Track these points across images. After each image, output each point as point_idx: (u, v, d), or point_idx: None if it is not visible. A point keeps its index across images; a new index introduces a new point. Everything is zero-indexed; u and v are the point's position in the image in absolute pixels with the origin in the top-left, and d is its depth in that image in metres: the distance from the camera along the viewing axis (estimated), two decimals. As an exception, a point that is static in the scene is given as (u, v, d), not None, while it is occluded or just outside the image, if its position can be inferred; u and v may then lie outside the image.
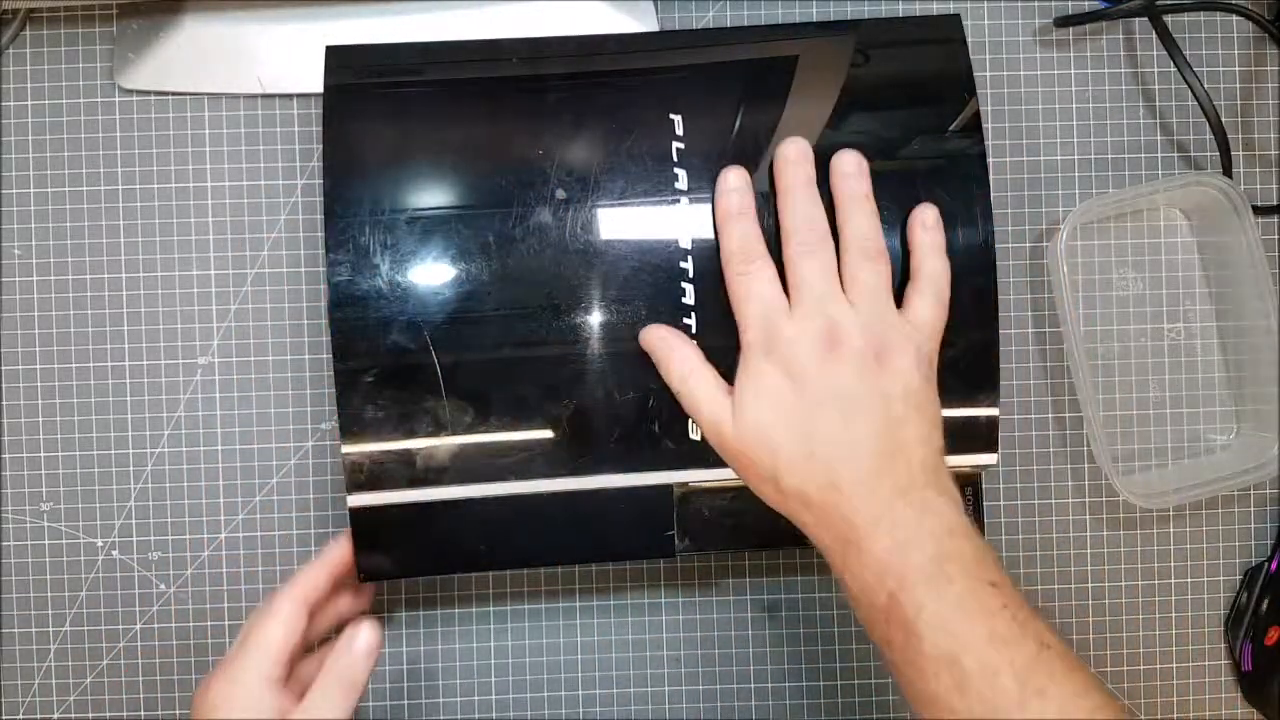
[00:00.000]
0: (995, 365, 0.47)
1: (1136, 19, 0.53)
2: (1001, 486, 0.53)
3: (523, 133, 0.46)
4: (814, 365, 0.42)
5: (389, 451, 0.46)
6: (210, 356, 0.52)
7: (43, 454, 0.52)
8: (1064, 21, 0.53)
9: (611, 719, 0.53)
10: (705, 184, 0.46)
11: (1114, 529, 0.54)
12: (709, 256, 0.46)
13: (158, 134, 0.52)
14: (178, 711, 0.52)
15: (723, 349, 0.45)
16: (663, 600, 0.53)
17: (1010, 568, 0.53)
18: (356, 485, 0.46)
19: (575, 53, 0.48)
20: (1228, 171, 0.52)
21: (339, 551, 0.46)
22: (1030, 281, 0.53)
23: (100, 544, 0.52)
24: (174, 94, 0.52)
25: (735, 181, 0.45)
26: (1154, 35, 0.51)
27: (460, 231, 0.45)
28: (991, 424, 0.47)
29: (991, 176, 0.47)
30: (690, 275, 0.46)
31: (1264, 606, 0.52)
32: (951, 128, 0.47)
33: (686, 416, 0.45)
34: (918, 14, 0.53)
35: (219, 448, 0.52)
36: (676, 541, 0.47)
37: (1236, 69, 0.54)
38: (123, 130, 0.52)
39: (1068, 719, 0.37)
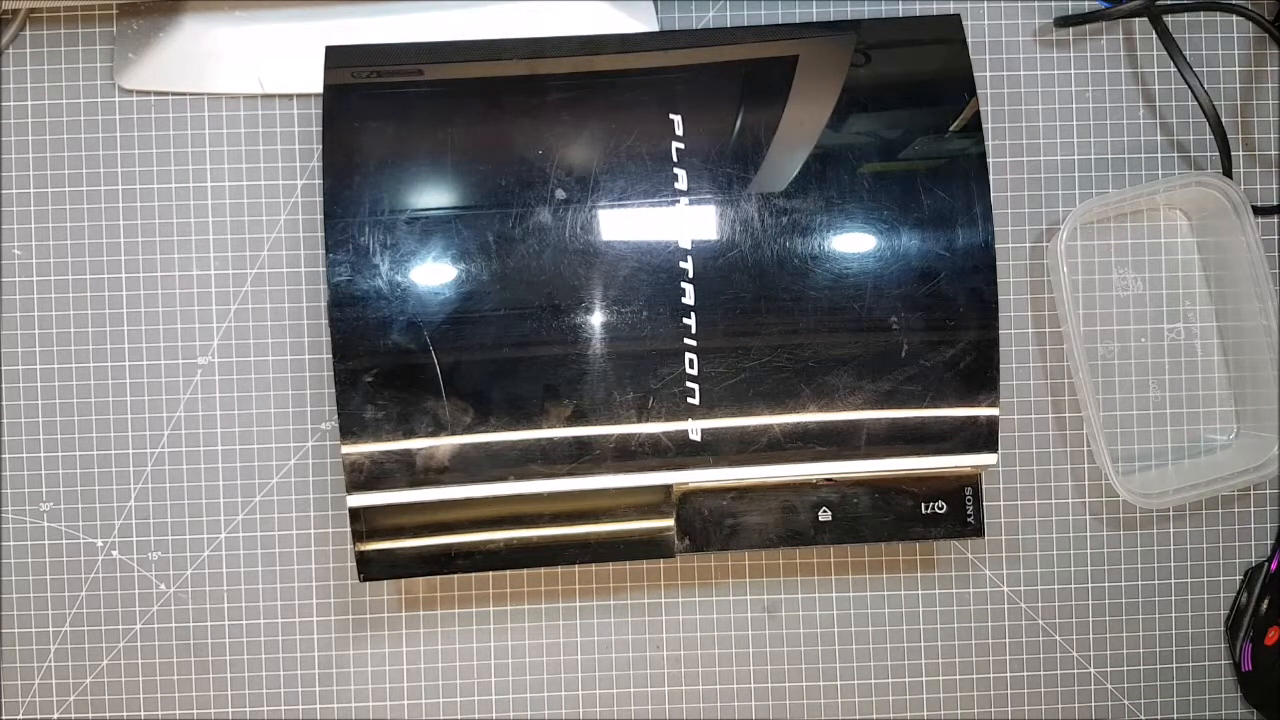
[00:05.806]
0: (995, 365, 0.47)
1: (1136, 19, 0.53)
2: (1001, 486, 0.53)
3: (523, 133, 0.46)
4: None
5: (389, 451, 0.46)
6: (210, 356, 0.52)
7: (43, 454, 0.52)
8: (1064, 21, 0.52)
9: (611, 719, 0.53)
10: (705, 184, 0.46)
11: (1114, 529, 0.54)
12: (709, 256, 0.46)
13: (158, 134, 0.52)
14: (178, 712, 0.52)
15: (722, 350, 0.45)
16: (663, 600, 0.53)
17: (1010, 567, 0.53)
18: (356, 485, 0.46)
19: (575, 53, 0.48)
20: (1228, 171, 0.52)
21: None
22: (1030, 281, 0.53)
23: (100, 544, 0.52)
24: (174, 94, 0.52)
25: None
26: (1154, 35, 0.51)
27: (460, 231, 0.46)
28: (991, 424, 0.47)
29: (991, 176, 0.47)
30: (690, 275, 0.46)
31: (1264, 606, 0.52)
32: (951, 128, 0.47)
33: (687, 416, 0.45)
34: (918, 14, 0.53)
35: (219, 448, 0.52)
36: (676, 541, 0.47)
37: (1236, 69, 0.54)
38: (123, 130, 0.52)
39: None
